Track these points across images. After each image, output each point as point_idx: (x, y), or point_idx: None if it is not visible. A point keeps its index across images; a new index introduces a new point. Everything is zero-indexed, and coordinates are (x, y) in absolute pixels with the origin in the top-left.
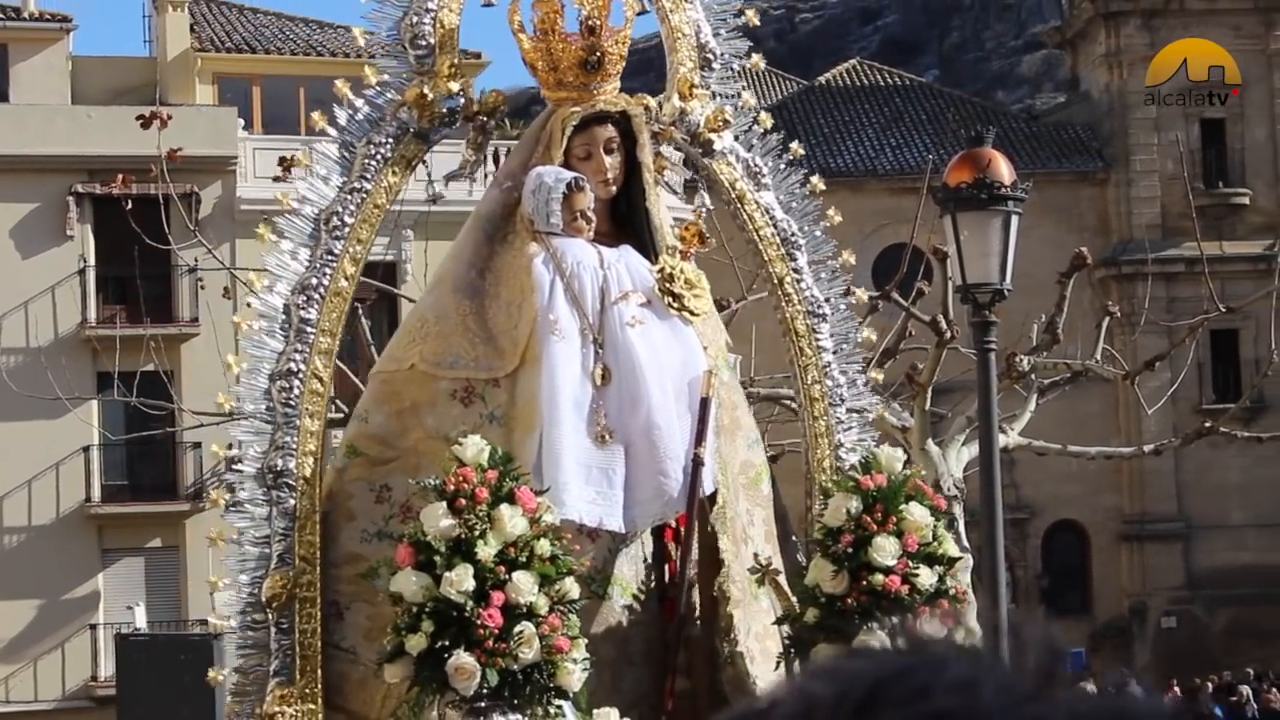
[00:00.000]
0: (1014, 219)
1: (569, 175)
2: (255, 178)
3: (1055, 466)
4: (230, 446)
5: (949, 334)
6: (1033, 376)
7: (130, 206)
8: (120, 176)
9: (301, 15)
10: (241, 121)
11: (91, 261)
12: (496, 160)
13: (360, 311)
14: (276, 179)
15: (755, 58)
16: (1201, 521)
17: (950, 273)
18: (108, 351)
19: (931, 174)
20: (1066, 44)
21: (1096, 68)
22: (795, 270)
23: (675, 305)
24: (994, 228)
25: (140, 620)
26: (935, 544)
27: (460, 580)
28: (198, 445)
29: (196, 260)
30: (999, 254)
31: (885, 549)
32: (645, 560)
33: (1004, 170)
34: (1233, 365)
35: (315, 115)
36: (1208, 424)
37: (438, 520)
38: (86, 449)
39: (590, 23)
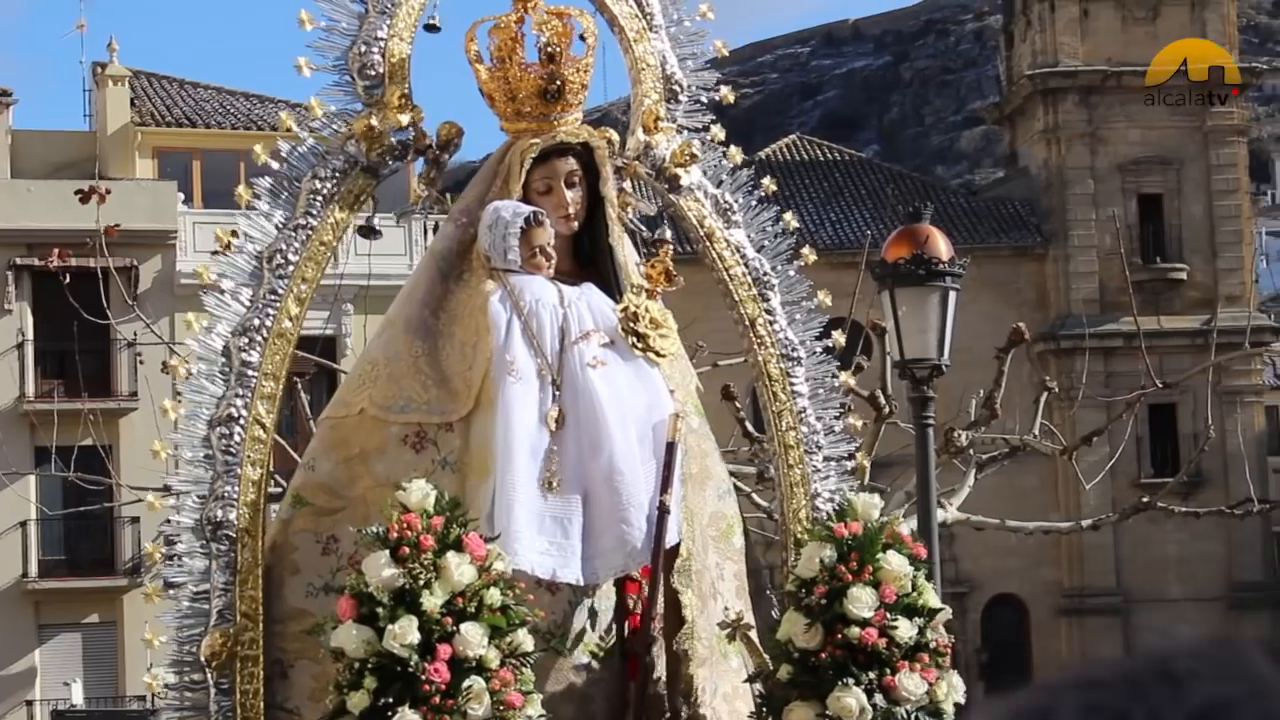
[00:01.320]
0: (952, 294)
1: (527, 209)
2: (195, 252)
3: (994, 541)
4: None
5: (887, 409)
6: (971, 451)
7: (69, 281)
8: (58, 250)
9: (243, 90)
10: (181, 196)
11: (30, 336)
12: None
13: (299, 386)
14: (215, 253)
15: (725, 90)
16: (1140, 596)
17: (889, 348)
18: (45, 426)
19: (870, 249)
20: (1005, 120)
21: (1035, 144)
22: (768, 311)
23: (640, 346)
24: (932, 303)
25: (77, 697)
26: (915, 594)
27: (404, 633)
28: (136, 520)
29: (135, 335)
30: (937, 329)
31: (861, 600)
32: (607, 614)
33: (942, 246)
34: (1171, 440)
35: (257, 148)
36: (1145, 499)
37: (380, 570)
38: (24, 524)
39: (549, 50)
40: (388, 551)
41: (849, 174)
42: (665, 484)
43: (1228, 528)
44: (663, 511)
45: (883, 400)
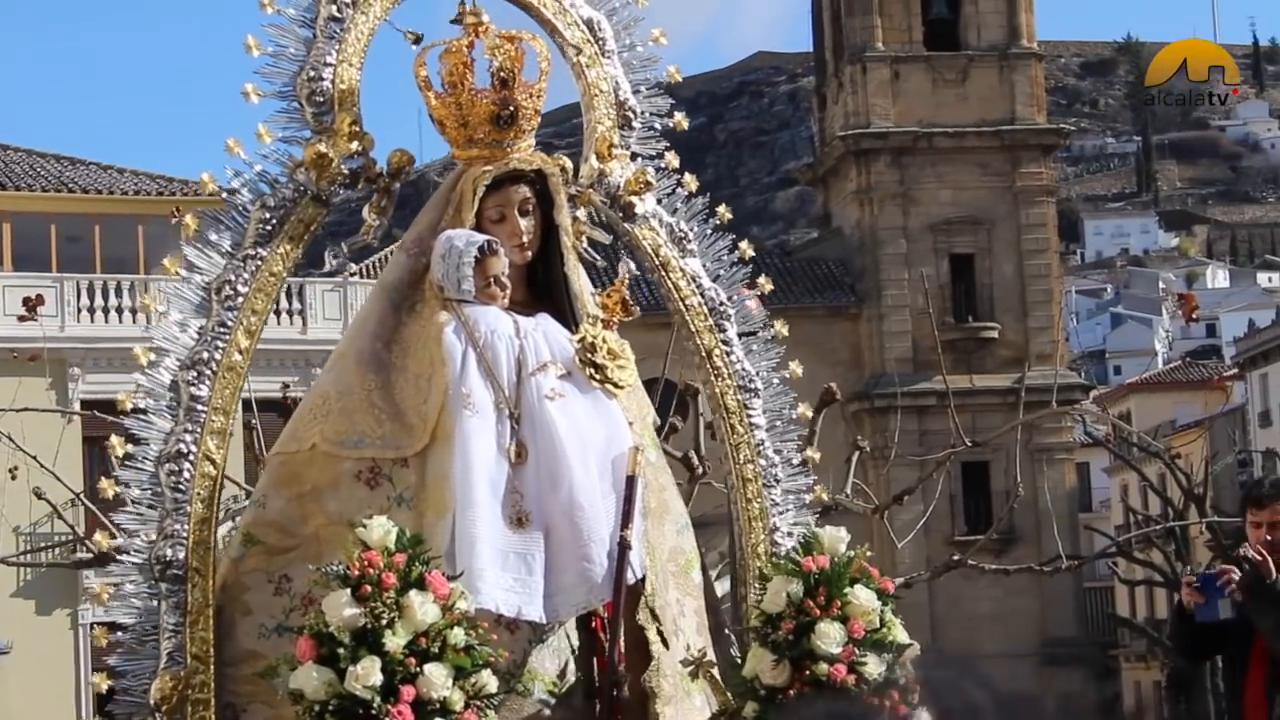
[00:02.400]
0: None
1: (481, 238)
2: (4, 315)
3: None
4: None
5: (701, 470)
6: None
7: None
8: None
9: (54, 152)
10: None
11: None
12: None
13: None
14: (22, 318)
15: (679, 116)
16: (955, 652)
17: (702, 408)
18: None
19: None
20: (819, 181)
21: (848, 204)
22: (725, 342)
23: (598, 377)
24: None
25: None
26: (883, 630)
27: (367, 674)
28: None
29: None
30: None
31: (829, 636)
32: (570, 652)
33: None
34: (984, 497)
35: (204, 176)
36: (956, 556)
37: (341, 609)
38: None
39: (502, 74)
40: (349, 590)
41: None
42: (626, 518)
43: (1040, 584)
44: (624, 547)
45: (696, 461)
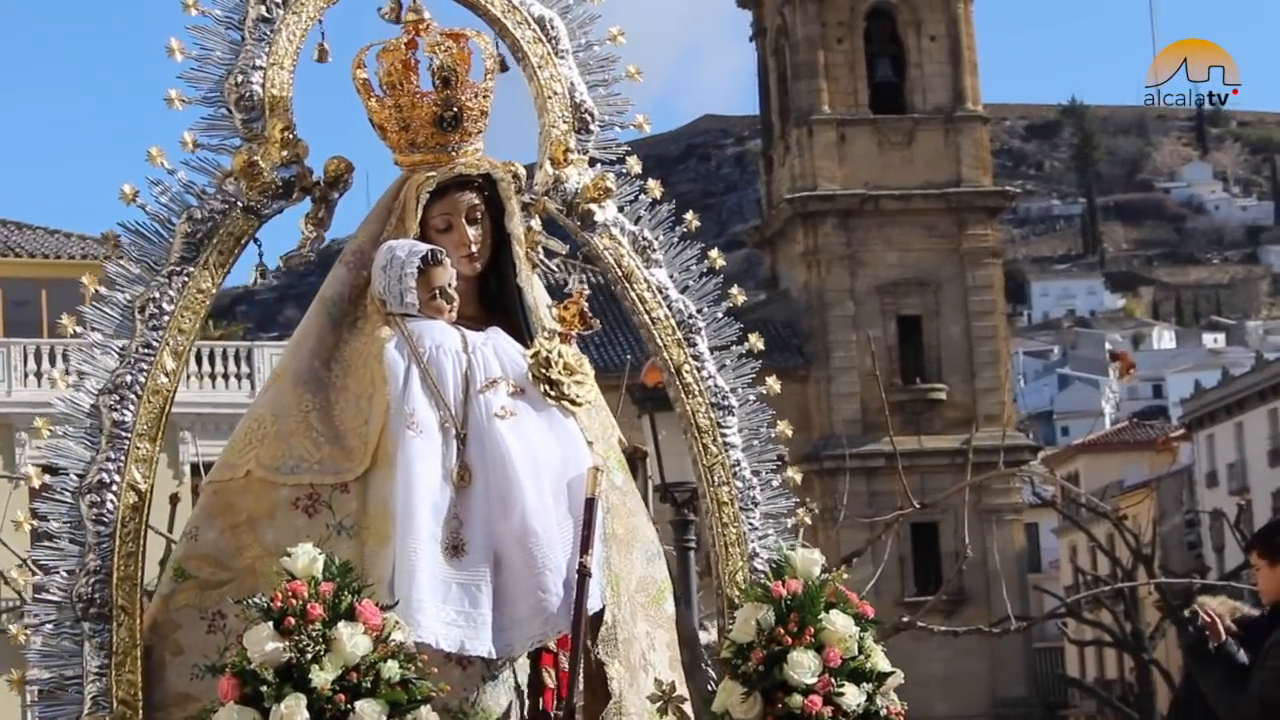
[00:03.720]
0: None
1: (425, 247)
2: None
3: None
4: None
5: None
6: None
7: None
8: None
9: None
10: None
11: None
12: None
13: None
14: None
15: (639, 117)
16: (907, 714)
17: (649, 472)
18: None
19: (630, 373)
20: (766, 243)
21: (795, 266)
22: (695, 357)
23: (553, 394)
24: None
25: None
26: (862, 657)
27: (292, 713)
28: None
29: None
30: None
31: (803, 665)
32: (520, 689)
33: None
34: (933, 558)
35: (125, 188)
36: (906, 618)
37: (264, 644)
38: None
39: (444, 74)
40: (271, 624)
41: (610, 296)
42: (585, 544)
43: (990, 645)
44: (583, 575)
45: None
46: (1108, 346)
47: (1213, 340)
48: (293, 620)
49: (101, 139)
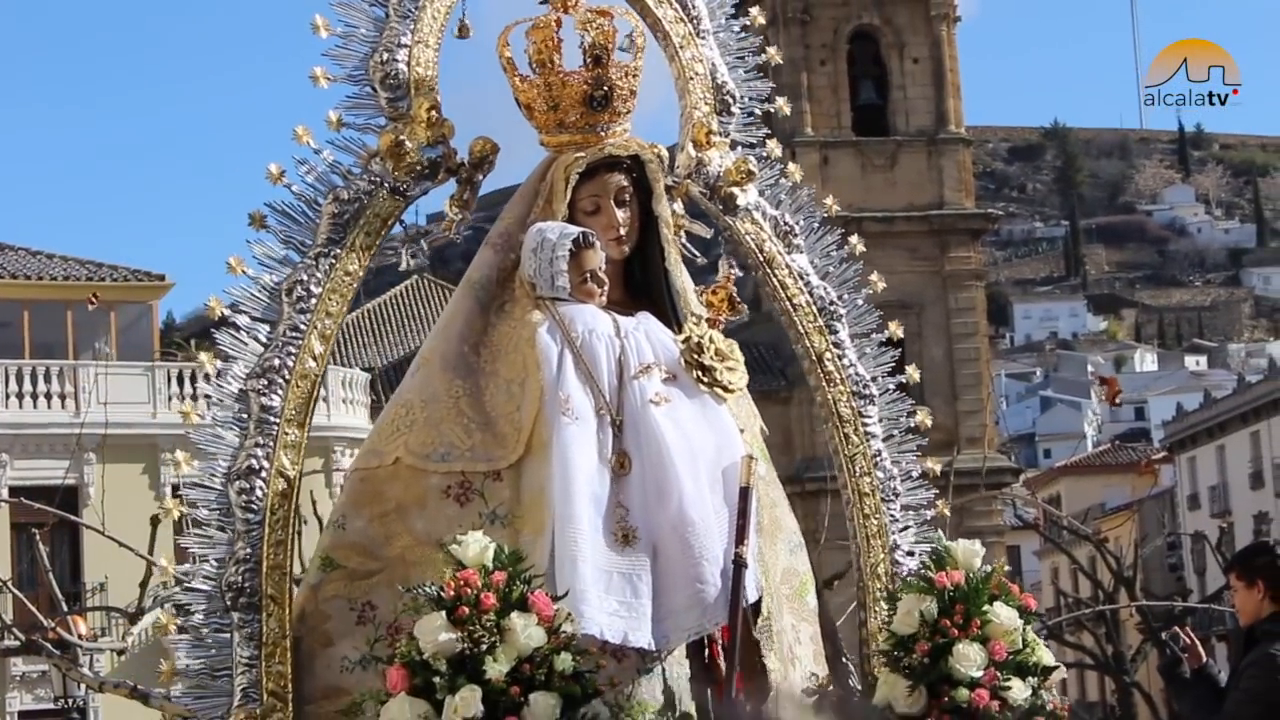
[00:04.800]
0: None
1: (576, 230)
2: None
3: None
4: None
5: None
6: None
7: None
8: None
9: None
10: None
11: None
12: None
13: (37, 537)
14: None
15: (780, 100)
16: None
17: None
18: None
19: None
20: (749, 265)
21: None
22: (836, 345)
23: (705, 380)
24: None
25: None
26: (1026, 651)
27: (467, 705)
28: None
29: None
30: None
31: (969, 658)
32: (678, 683)
33: None
34: None
35: (271, 167)
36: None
37: (436, 634)
38: None
39: (595, 51)
40: (444, 613)
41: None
42: (741, 534)
43: None
44: (739, 565)
45: None
46: (1090, 369)
47: (1195, 363)
48: (466, 610)
49: (87, 159)
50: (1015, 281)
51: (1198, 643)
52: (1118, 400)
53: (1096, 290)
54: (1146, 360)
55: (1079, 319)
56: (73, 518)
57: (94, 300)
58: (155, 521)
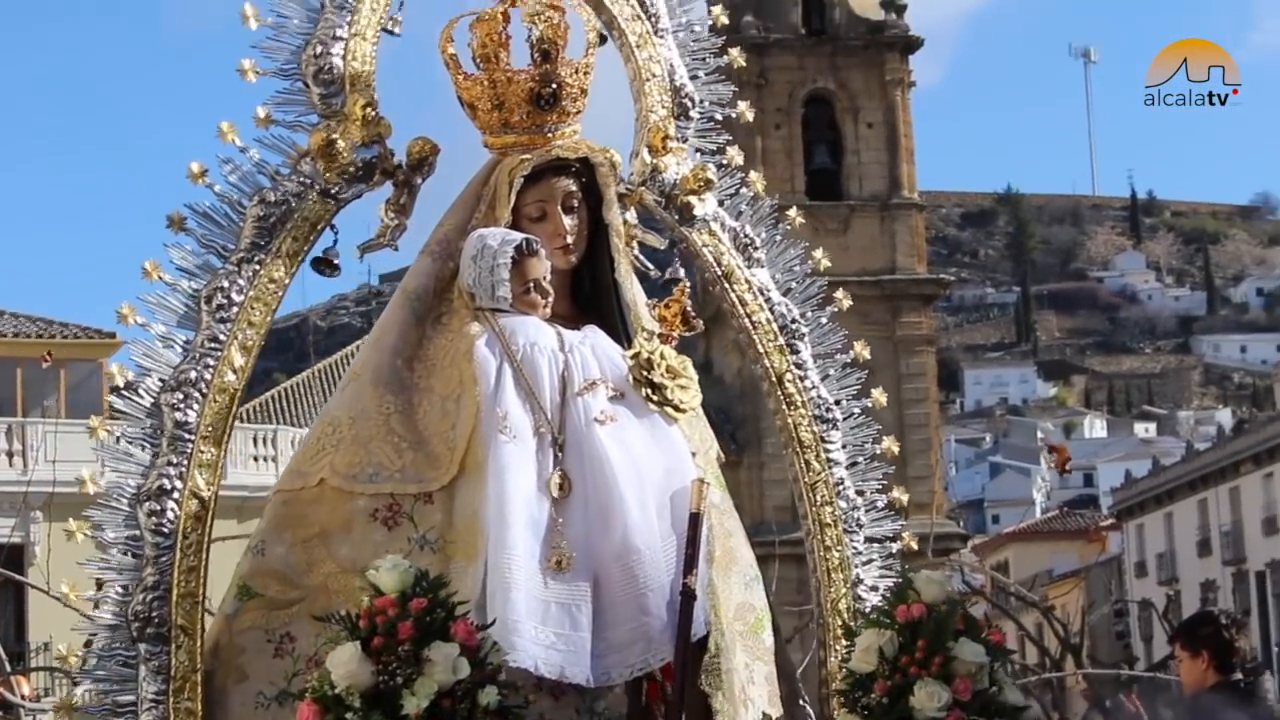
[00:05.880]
0: None
1: (519, 237)
2: None
3: None
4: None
5: None
6: None
7: None
8: None
9: None
10: None
11: None
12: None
13: None
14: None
15: (742, 106)
16: None
17: None
18: None
19: None
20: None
21: (729, 352)
22: (798, 365)
23: (655, 399)
24: None
25: None
26: (993, 690)
27: None
28: None
29: None
30: None
31: (931, 697)
32: None
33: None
34: None
35: (193, 166)
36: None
37: (350, 666)
38: None
39: (544, 46)
40: (358, 644)
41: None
42: (690, 564)
43: None
44: (687, 597)
45: None
46: (1040, 435)
47: (1144, 430)
48: (381, 640)
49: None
50: (966, 347)
51: (1143, 710)
52: (1067, 469)
53: (1047, 356)
54: (1096, 427)
55: (1029, 385)
56: (18, 577)
57: (47, 358)
58: (101, 585)
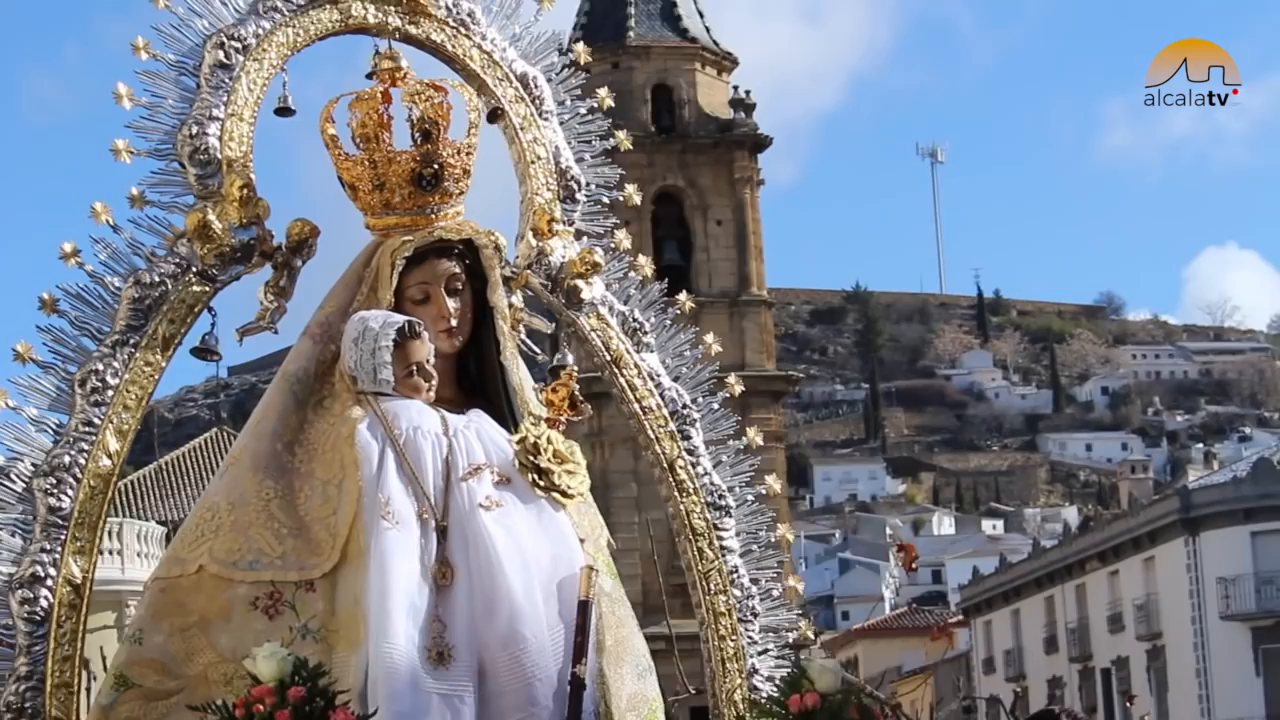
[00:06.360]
0: None
1: (401, 319)
2: None
3: None
4: None
5: None
6: None
7: None
8: None
9: None
10: None
11: None
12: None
13: None
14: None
15: (629, 189)
16: None
17: None
18: None
19: None
20: None
21: (580, 446)
22: (690, 451)
23: (542, 484)
24: None
25: None
26: None
27: None
28: None
29: None
30: None
31: None
32: None
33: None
34: None
35: (65, 246)
36: None
37: None
38: None
39: (425, 126)
40: None
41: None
42: (579, 652)
43: None
44: (576, 686)
45: None
46: (889, 533)
47: (991, 527)
48: None
49: None
50: (815, 443)
51: None
52: (914, 567)
53: (895, 453)
54: (944, 523)
55: (878, 481)
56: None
57: None
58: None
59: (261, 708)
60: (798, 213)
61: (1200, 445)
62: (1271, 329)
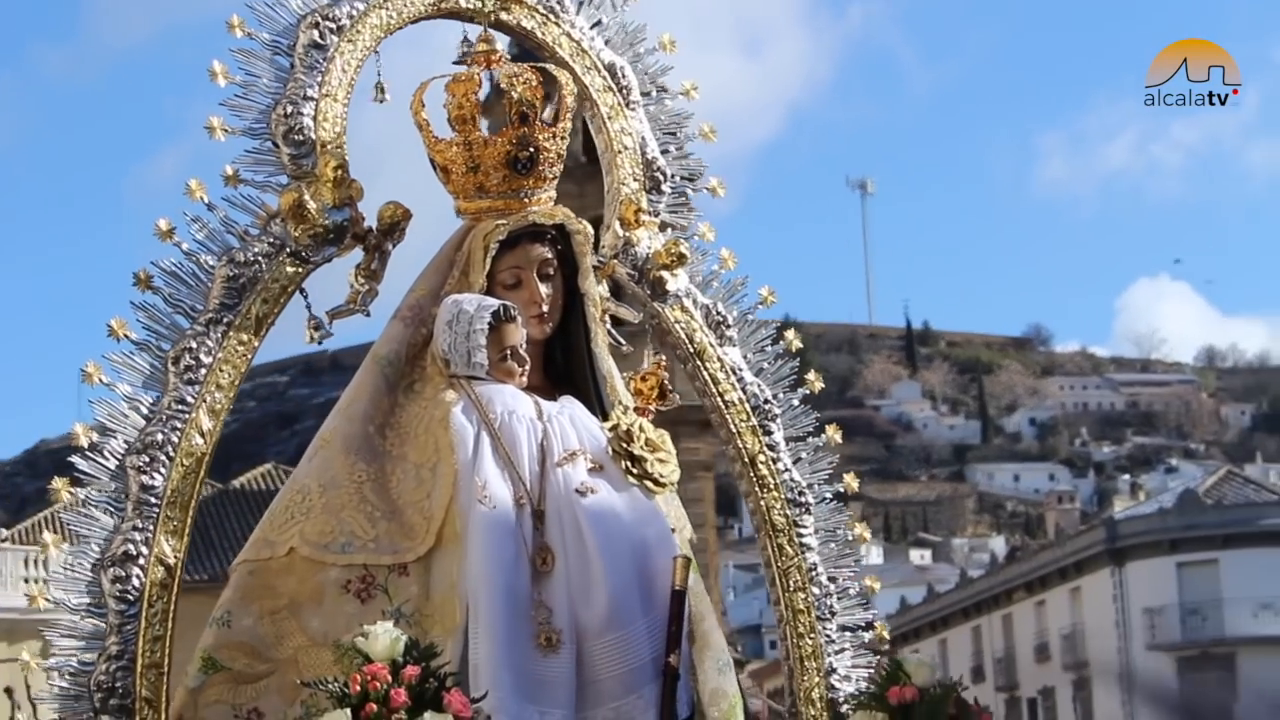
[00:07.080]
0: None
1: (495, 302)
2: None
3: None
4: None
5: None
6: None
7: None
8: None
9: None
10: None
11: None
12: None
13: None
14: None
15: (714, 180)
16: None
17: None
18: None
19: None
20: None
21: None
22: (771, 447)
23: (635, 471)
24: None
25: None
26: None
27: None
28: None
29: None
30: None
31: None
32: None
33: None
34: None
35: (160, 223)
36: None
37: None
38: None
39: (521, 109)
40: (348, 712)
41: None
42: (673, 642)
43: None
44: (669, 675)
45: None
46: None
47: (919, 557)
48: (374, 707)
49: None
50: None
51: None
52: None
53: None
54: (872, 553)
55: None
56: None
57: None
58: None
59: (378, 685)
60: (733, 244)
61: (1127, 476)
62: (1198, 361)
